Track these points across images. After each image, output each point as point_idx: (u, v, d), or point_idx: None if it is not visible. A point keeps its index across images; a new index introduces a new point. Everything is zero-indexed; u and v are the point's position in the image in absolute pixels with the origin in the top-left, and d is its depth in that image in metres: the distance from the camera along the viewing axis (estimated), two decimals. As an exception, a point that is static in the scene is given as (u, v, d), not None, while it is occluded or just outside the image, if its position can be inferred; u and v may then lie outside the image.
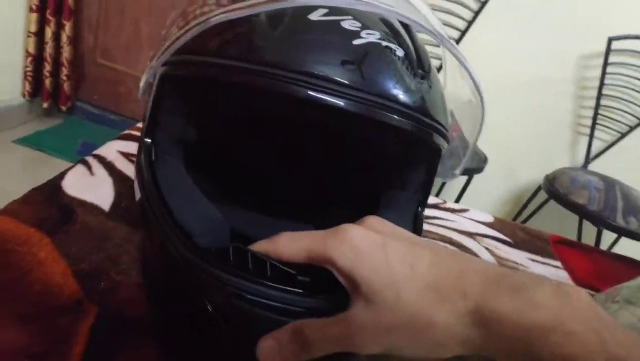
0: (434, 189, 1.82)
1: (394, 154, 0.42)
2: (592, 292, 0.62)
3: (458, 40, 1.61)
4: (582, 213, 1.46)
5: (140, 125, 0.71)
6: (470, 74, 0.33)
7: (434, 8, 1.57)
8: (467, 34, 1.61)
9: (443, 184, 1.79)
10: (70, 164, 0.57)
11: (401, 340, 0.26)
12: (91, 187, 0.53)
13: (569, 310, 0.24)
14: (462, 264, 0.27)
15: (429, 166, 0.41)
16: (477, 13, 1.62)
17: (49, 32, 1.94)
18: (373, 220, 0.30)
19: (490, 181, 1.78)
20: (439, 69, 0.45)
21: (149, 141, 0.37)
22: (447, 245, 0.64)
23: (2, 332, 0.34)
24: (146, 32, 2.07)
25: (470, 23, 1.62)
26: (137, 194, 0.38)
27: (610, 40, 1.60)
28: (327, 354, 0.27)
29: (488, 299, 0.25)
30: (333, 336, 0.26)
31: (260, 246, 0.30)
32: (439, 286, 0.25)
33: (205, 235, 0.33)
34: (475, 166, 1.52)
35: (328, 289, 0.29)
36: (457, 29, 1.61)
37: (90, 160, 0.58)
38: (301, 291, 0.30)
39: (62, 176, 0.53)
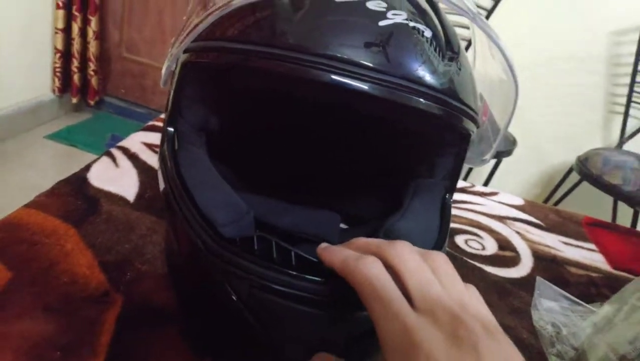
0: (462, 172, 1.79)
1: (422, 139, 0.41)
2: (632, 275, 0.60)
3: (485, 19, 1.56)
4: (617, 194, 1.41)
5: (163, 116, 0.71)
6: (503, 52, 0.31)
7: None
8: (494, 13, 1.56)
9: (470, 169, 1.75)
10: (99, 158, 0.58)
11: None
12: (116, 178, 0.54)
13: None
14: None
15: (458, 151, 0.40)
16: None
17: (75, 28, 1.97)
18: (471, 329, 0.25)
19: (520, 163, 1.73)
20: (467, 47, 0.43)
21: (172, 129, 0.37)
22: (477, 231, 0.62)
23: (32, 324, 0.34)
24: (170, 24, 2.08)
25: (497, 2, 1.56)
26: (161, 184, 0.38)
27: (647, 13, 1.52)
28: None
29: None
30: None
31: (340, 257, 0.29)
32: None
33: (229, 224, 0.32)
34: (504, 149, 1.48)
35: None
36: (484, 8, 1.56)
37: (115, 152, 0.59)
38: (323, 280, 0.29)
39: (87, 168, 0.54)
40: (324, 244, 0.31)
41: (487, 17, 1.57)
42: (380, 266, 0.27)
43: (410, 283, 0.26)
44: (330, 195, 0.47)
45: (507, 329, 0.46)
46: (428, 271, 0.27)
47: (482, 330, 0.24)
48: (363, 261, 0.27)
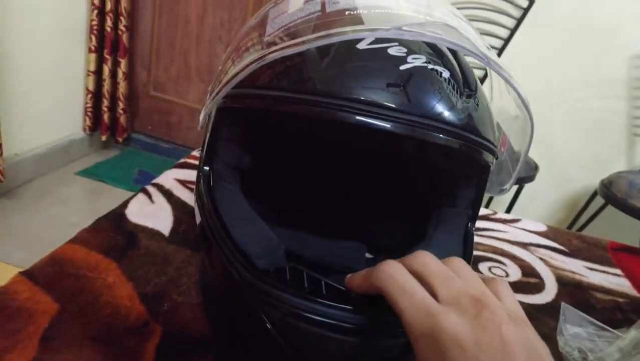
0: (484, 199, 1.78)
1: (444, 172, 0.43)
2: (658, 301, 0.59)
3: (502, 48, 1.58)
4: (645, 218, 1.39)
5: (195, 153, 0.75)
6: (517, 91, 0.33)
7: (476, 19, 1.56)
8: (511, 41, 1.59)
9: (492, 196, 1.74)
10: (128, 192, 0.61)
11: None
12: (152, 214, 0.57)
13: None
14: None
15: (478, 182, 0.42)
16: (520, 20, 1.59)
17: (106, 70, 2.07)
18: (491, 313, 0.26)
19: (542, 189, 1.72)
20: (483, 79, 0.45)
21: (207, 168, 0.40)
22: (500, 258, 0.63)
23: (80, 353, 0.37)
24: (195, 64, 2.17)
25: (513, 31, 1.59)
26: (198, 218, 0.40)
27: (664, 36, 1.53)
28: None
29: None
30: None
31: (363, 273, 0.31)
32: None
33: (263, 257, 0.35)
34: (526, 175, 1.48)
35: (379, 308, 0.30)
36: (500, 38, 1.59)
37: (150, 188, 0.62)
38: (352, 308, 0.31)
39: (125, 204, 0.57)
40: (351, 274, 0.33)
41: (504, 46, 1.59)
42: (400, 265, 0.29)
43: (433, 280, 0.28)
44: (356, 226, 0.49)
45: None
46: (449, 270, 0.29)
47: (506, 315, 0.25)
48: (383, 265, 0.29)
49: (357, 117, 0.32)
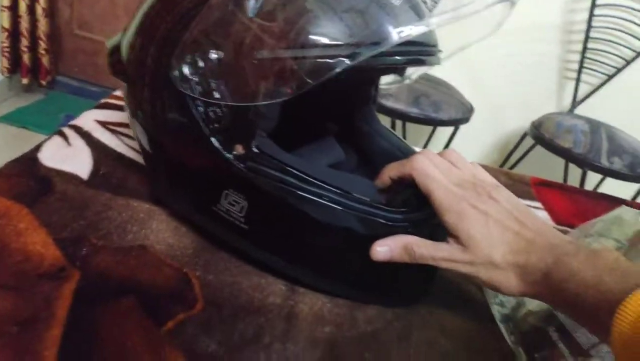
0: (422, 141, 1.83)
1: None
2: (569, 229, 0.64)
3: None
4: (568, 156, 1.48)
5: (117, 93, 0.70)
6: None
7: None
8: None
9: (430, 136, 1.79)
10: (54, 139, 0.57)
11: (480, 277, 0.37)
12: (69, 157, 0.53)
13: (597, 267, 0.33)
14: (535, 236, 0.36)
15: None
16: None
17: (23, 5, 1.89)
18: (483, 189, 0.39)
19: (477, 130, 1.78)
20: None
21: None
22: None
23: (-14, 301, 0.35)
24: (122, 1, 2.01)
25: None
26: None
27: (596, -20, 1.57)
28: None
29: (550, 268, 0.35)
30: (432, 258, 0.38)
31: (395, 165, 0.42)
32: (519, 251, 0.36)
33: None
34: (462, 116, 1.52)
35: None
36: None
37: (67, 130, 0.58)
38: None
39: (38, 148, 0.53)
40: (387, 166, 0.43)
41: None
42: (426, 159, 0.40)
43: (442, 170, 0.40)
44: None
45: (455, 284, 0.49)
46: (447, 163, 0.41)
47: (491, 186, 0.39)
48: (414, 158, 0.40)
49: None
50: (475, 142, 1.91)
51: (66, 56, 2.15)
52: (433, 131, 1.77)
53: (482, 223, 0.37)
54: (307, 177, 0.40)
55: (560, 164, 1.69)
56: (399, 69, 0.49)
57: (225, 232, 0.43)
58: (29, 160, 0.51)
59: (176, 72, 0.40)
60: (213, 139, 0.40)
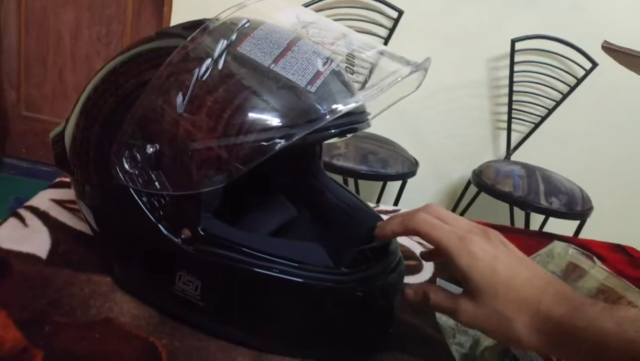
0: (374, 195, 1.89)
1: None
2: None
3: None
4: (509, 199, 1.57)
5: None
6: None
7: (353, 28, 1.65)
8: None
9: (381, 192, 1.86)
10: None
11: (488, 328, 0.37)
12: (26, 238, 0.53)
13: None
14: (546, 285, 0.36)
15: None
16: (392, 30, 1.73)
17: (-34, 90, 1.87)
18: (495, 235, 0.40)
19: (424, 181, 1.86)
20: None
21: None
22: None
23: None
24: (72, 81, 2.04)
25: (386, 40, 1.72)
26: None
27: (513, 42, 1.74)
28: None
29: (564, 318, 0.34)
30: (442, 307, 0.40)
31: (397, 221, 0.42)
32: (526, 301, 0.36)
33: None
34: (408, 170, 1.60)
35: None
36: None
37: (23, 212, 0.59)
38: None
39: (-6, 231, 0.53)
40: (382, 222, 0.44)
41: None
42: (426, 214, 0.41)
43: (448, 221, 0.41)
44: None
45: (413, 327, 0.52)
46: (453, 215, 0.42)
47: (497, 234, 0.40)
48: (416, 214, 0.41)
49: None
50: (423, 194, 1.99)
51: (14, 138, 2.12)
52: (384, 186, 1.84)
53: (492, 268, 0.36)
54: (254, 253, 0.41)
55: (506, 208, 1.79)
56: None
57: (184, 311, 0.44)
58: (-15, 244, 0.51)
59: (117, 168, 0.42)
60: (160, 226, 0.42)
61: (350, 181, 1.64)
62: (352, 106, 0.37)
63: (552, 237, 0.83)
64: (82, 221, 0.59)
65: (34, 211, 0.59)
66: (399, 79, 0.37)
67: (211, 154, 0.38)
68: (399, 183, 1.71)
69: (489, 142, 1.96)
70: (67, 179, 0.69)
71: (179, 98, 0.38)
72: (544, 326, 0.34)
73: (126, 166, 0.41)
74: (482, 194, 1.71)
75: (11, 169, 2.14)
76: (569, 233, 1.49)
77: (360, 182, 1.76)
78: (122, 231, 0.46)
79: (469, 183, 1.79)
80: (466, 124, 1.93)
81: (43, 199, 0.62)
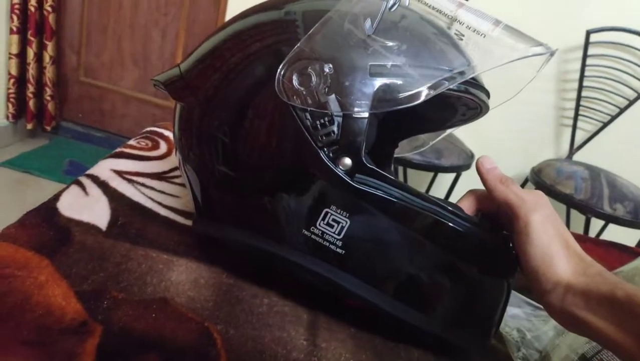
0: (423, 186, 1.84)
1: None
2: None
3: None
4: (570, 202, 1.49)
5: (132, 142, 0.71)
6: None
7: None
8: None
9: (431, 183, 1.80)
10: (58, 184, 0.57)
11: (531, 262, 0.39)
12: (87, 207, 0.53)
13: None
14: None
15: None
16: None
17: (30, 53, 1.93)
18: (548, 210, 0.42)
19: (477, 176, 1.79)
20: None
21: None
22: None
23: (10, 359, 0.34)
24: (129, 49, 2.07)
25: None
26: None
27: (588, 33, 1.63)
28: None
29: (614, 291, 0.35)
30: (510, 200, 0.42)
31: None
32: (570, 249, 0.38)
33: None
34: (463, 163, 1.53)
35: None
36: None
37: (84, 180, 0.59)
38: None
39: (57, 197, 0.54)
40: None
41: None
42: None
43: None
44: None
45: (476, 337, 0.48)
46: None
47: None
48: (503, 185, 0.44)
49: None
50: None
51: (71, 102, 2.19)
52: (434, 177, 1.79)
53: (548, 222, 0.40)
54: (419, 192, 0.40)
55: (562, 211, 1.70)
56: (463, 107, 0.56)
57: (311, 260, 0.42)
58: (48, 209, 0.51)
59: (282, 87, 0.40)
60: (321, 153, 0.40)
61: (400, 169, 1.60)
62: (540, 49, 0.43)
63: (618, 247, 0.77)
64: (141, 194, 0.58)
65: (95, 180, 0.59)
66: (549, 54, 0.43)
67: (398, 72, 0.39)
68: (452, 175, 1.65)
69: (551, 139, 1.86)
70: (128, 150, 0.68)
71: (368, 22, 0.39)
72: (589, 270, 0.37)
73: (296, 85, 0.39)
74: (539, 193, 1.63)
75: (67, 132, 2.21)
76: (630, 242, 1.40)
77: (410, 171, 1.71)
78: (268, 165, 0.42)
79: (526, 181, 1.71)
80: (528, 119, 1.83)
81: (104, 169, 0.62)
